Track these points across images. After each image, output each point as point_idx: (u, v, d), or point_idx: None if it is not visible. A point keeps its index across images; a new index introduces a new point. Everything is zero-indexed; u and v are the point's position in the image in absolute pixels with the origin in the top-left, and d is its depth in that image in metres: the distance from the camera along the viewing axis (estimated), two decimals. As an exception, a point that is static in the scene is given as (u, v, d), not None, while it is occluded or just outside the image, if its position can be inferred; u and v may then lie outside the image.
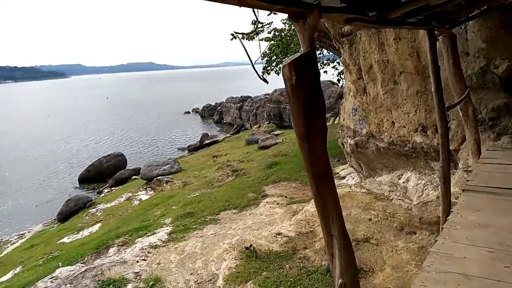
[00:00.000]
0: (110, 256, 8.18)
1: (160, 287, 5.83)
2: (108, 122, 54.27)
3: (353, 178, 9.38)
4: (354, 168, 8.72)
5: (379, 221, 5.88)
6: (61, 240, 13.36)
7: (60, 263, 8.84)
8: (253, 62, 1.62)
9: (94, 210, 17.52)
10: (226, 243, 6.84)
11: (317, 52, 18.12)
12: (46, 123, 56.58)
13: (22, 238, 15.92)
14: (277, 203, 9.88)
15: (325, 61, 20.22)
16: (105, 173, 25.87)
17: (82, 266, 7.56)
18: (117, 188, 22.48)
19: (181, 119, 54.00)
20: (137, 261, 7.17)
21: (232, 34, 11.06)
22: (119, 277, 6.30)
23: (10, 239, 16.23)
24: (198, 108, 57.23)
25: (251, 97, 44.14)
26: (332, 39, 7.36)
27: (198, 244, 7.29)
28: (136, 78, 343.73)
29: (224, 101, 48.01)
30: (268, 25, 12.56)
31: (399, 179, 6.50)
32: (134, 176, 22.68)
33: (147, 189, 18.77)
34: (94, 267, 6.73)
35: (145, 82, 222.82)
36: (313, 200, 7.82)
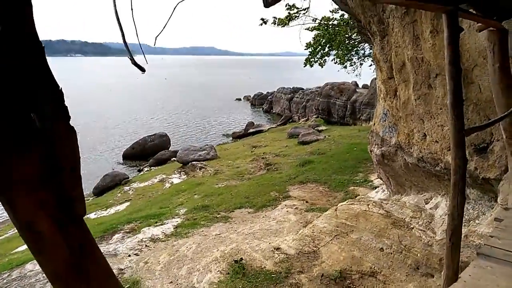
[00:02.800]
0: (110, 244, 7.90)
1: (135, 292, 5.32)
2: (161, 102, 55.90)
3: (383, 191, 8.24)
4: (382, 180, 7.59)
5: (391, 253, 4.84)
6: (88, 216, 13.59)
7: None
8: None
9: (128, 188, 17.82)
10: (219, 250, 6.18)
11: (365, 47, 16.52)
12: (107, 97, 59.77)
13: (57, 208, 16.50)
14: (295, 208, 9.03)
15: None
16: (148, 152, 26.40)
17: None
18: (155, 168, 22.83)
19: (232, 105, 54.11)
20: (129, 255, 6.78)
21: (262, 19, 10.14)
22: (101, 272, 5.89)
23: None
24: (250, 96, 56.97)
25: (302, 89, 42.61)
26: (365, 29, 6.24)
27: (193, 246, 6.71)
28: (196, 61, 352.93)
29: (276, 90, 46.98)
30: (304, 11, 11.37)
31: (426, 203, 5.35)
32: (173, 158, 22.83)
33: (181, 172, 18.77)
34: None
35: (204, 66, 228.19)
36: (326, 213, 6.87)
